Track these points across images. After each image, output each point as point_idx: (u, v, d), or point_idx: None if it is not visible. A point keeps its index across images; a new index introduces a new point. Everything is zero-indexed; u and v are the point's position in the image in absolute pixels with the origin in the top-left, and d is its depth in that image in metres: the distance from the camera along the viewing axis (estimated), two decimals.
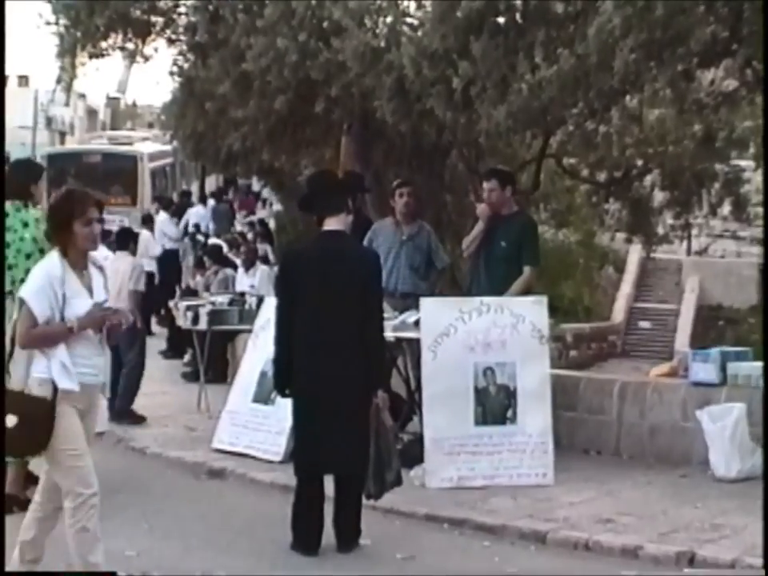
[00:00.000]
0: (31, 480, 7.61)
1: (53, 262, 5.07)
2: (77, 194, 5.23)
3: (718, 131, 16.49)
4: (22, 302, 5.02)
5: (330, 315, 5.97)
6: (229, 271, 13.70)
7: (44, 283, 5.01)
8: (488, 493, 7.19)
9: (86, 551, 4.99)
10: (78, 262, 5.11)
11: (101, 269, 5.25)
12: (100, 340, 5.17)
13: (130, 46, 12.57)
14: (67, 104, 50.17)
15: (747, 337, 19.71)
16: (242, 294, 11.42)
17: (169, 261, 17.86)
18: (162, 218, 19.08)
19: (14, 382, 5.00)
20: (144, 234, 16.67)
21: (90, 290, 5.12)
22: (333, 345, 5.96)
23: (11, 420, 4.89)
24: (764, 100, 9.09)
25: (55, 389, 4.93)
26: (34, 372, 4.97)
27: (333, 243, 6.09)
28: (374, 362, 6.07)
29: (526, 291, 8.03)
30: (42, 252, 6.95)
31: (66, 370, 4.96)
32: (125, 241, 10.19)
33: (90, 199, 5.16)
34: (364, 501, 6.20)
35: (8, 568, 5.08)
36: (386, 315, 8.12)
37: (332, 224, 6.08)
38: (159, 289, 16.47)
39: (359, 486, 6.13)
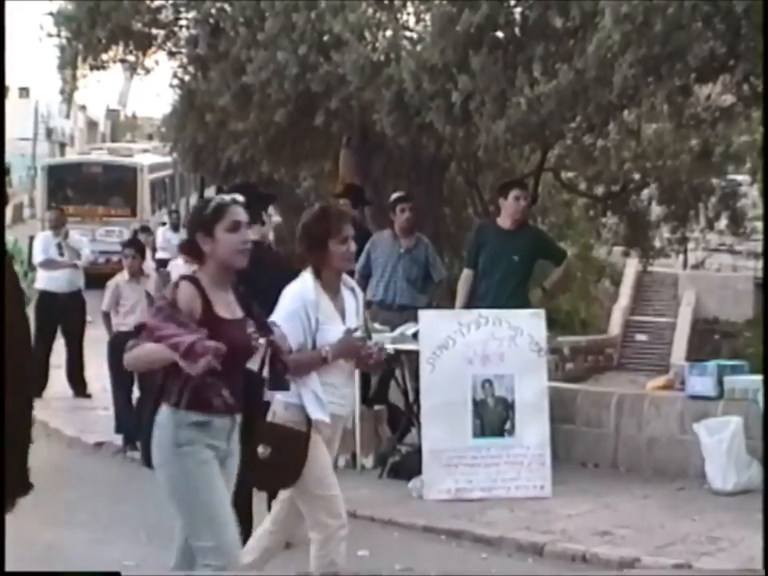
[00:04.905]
0: None
1: (306, 284, 4.69)
2: (333, 210, 4.86)
3: (714, 146, 16.60)
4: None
5: None
6: None
7: (297, 307, 4.65)
8: (486, 505, 7.20)
9: None
10: (332, 283, 4.73)
11: (352, 290, 4.87)
12: (353, 368, 4.84)
13: (131, 58, 12.63)
14: (68, 116, 50.25)
15: (743, 350, 19.71)
16: None
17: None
18: (164, 228, 18.77)
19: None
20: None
21: (343, 315, 4.75)
22: None
23: (264, 451, 4.61)
24: (763, 115, 9.14)
25: (308, 419, 4.64)
26: (280, 395, 4.64)
27: (253, 253, 6.20)
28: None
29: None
30: None
31: (318, 401, 4.65)
32: None
33: (345, 216, 4.81)
34: (363, 513, 6.19)
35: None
36: (378, 328, 8.20)
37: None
38: None
39: None
